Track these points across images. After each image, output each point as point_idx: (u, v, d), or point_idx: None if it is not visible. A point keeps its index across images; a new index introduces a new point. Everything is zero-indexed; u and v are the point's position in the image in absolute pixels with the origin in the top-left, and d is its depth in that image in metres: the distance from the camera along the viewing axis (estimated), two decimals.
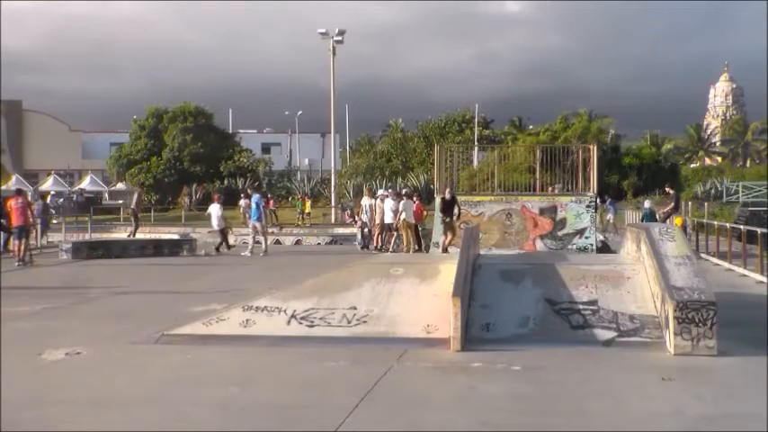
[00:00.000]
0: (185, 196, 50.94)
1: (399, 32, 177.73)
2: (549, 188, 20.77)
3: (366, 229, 23.50)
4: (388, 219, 20.99)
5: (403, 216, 19.93)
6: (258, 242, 20.77)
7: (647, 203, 23.92)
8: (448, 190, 17.46)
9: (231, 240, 25.55)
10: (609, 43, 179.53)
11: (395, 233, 21.10)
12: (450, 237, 16.95)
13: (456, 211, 17.42)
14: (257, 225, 20.79)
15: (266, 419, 5.33)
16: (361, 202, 24.90)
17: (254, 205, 20.91)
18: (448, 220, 17.15)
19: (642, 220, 19.59)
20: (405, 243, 20.19)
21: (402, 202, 20.41)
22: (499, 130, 63.79)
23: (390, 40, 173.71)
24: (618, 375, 6.63)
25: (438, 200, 17.54)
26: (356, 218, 25.40)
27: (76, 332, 8.75)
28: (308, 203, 39.49)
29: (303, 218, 38.50)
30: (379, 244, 21.35)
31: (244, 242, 28.33)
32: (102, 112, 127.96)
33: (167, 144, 56.59)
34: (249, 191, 23.63)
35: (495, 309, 8.36)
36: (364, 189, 26.94)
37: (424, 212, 21.95)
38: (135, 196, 26.49)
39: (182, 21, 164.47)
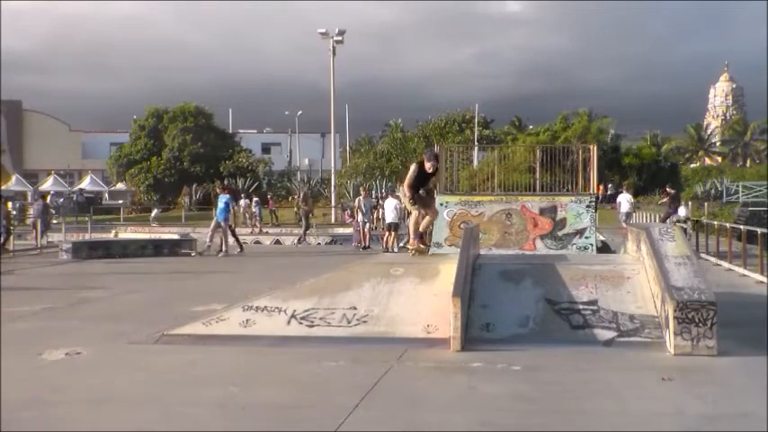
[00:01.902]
0: (185, 196, 50.97)
1: (399, 32, 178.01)
2: (601, 187, 20.42)
3: (367, 228, 23.53)
4: (390, 218, 21.00)
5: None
6: (234, 239, 20.84)
7: (682, 211, 20.58)
8: (429, 153, 10.78)
9: (231, 240, 25.43)
10: (609, 43, 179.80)
11: (395, 233, 21.12)
12: (427, 220, 10.88)
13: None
14: (222, 224, 20.52)
15: (266, 419, 5.33)
16: (356, 203, 24.94)
17: (222, 205, 20.50)
18: (422, 193, 10.59)
19: None
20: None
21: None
22: (499, 130, 63.83)
23: (390, 40, 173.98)
24: (618, 375, 6.63)
25: (413, 168, 10.52)
26: (356, 218, 25.39)
27: (76, 332, 8.75)
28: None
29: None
30: (388, 244, 21.27)
31: (244, 242, 28.41)
32: (102, 112, 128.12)
33: (167, 144, 56.63)
34: (218, 190, 22.98)
35: (495, 309, 8.36)
36: (360, 189, 26.95)
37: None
38: (301, 194, 25.56)
39: (182, 21, 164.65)
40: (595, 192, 20.04)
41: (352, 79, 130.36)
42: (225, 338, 8.02)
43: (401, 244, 20.78)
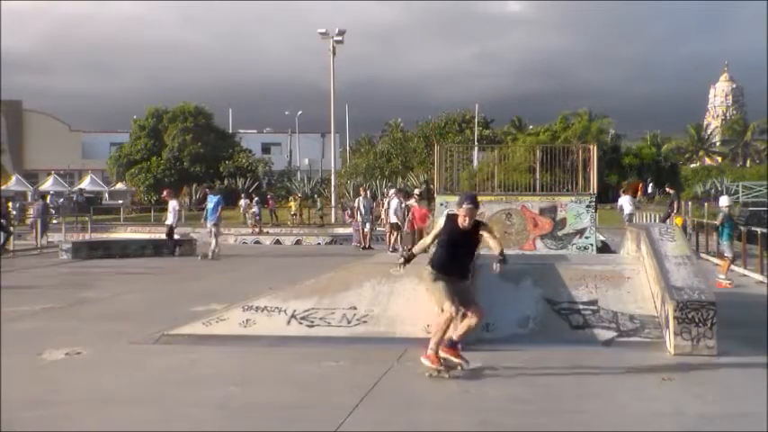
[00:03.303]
0: (185, 196, 50.97)
1: (399, 32, 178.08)
2: (641, 185, 19.90)
3: (367, 228, 23.54)
4: (393, 218, 21.02)
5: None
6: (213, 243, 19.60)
7: (724, 201, 15.39)
8: (464, 197, 6.94)
9: (230, 240, 25.34)
10: (609, 43, 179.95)
11: (396, 233, 21.12)
12: (465, 323, 6.68)
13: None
14: (212, 226, 19.56)
15: (266, 419, 5.33)
16: (356, 203, 24.91)
17: (211, 205, 19.54)
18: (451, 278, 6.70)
19: (722, 227, 14.57)
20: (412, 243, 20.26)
21: (410, 202, 20.59)
22: (499, 130, 63.79)
23: (390, 40, 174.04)
24: (618, 375, 6.64)
25: (439, 223, 7.12)
26: (355, 218, 25.37)
27: (76, 332, 8.75)
28: (294, 204, 39.42)
29: (293, 218, 38.48)
30: (390, 244, 21.20)
31: (243, 242, 28.42)
32: (102, 112, 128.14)
33: (167, 144, 56.63)
34: (207, 191, 21.95)
35: (495, 309, 8.34)
36: (360, 189, 26.93)
37: (429, 217, 20.86)
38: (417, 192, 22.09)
39: (182, 21, 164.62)
40: (636, 192, 19.63)
41: (352, 79, 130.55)
42: (225, 338, 8.02)
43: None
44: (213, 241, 19.60)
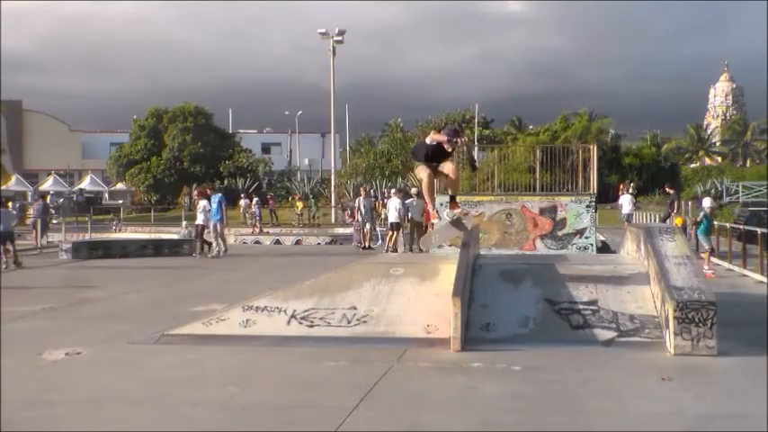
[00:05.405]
0: (185, 196, 50.99)
1: (399, 32, 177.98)
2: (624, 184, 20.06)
3: (367, 228, 23.54)
4: (393, 218, 21.02)
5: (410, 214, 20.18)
6: (215, 242, 20.02)
7: None
8: (449, 130, 9.09)
9: (230, 240, 25.31)
10: (609, 43, 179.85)
11: (395, 233, 21.11)
12: (449, 180, 9.38)
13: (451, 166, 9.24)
14: (218, 225, 19.97)
15: (266, 419, 5.33)
16: (356, 203, 24.92)
17: (215, 205, 19.88)
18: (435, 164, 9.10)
19: None
20: (411, 242, 20.28)
21: (409, 201, 20.61)
22: (499, 130, 63.80)
23: (390, 40, 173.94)
24: (618, 375, 6.63)
25: (431, 138, 9.12)
26: (356, 218, 25.36)
27: (76, 332, 8.76)
28: (300, 204, 39.40)
29: (300, 218, 38.44)
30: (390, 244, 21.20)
31: (243, 242, 28.44)
32: (102, 112, 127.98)
33: (167, 144, 56.66)
34: (209, 191, 22.04)
35: (495, 309, 8.36)
36: (360, 189, 26.94)
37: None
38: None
39: (182, 21, 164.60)
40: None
41: (353, 79, 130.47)
42: (225, 338, 8.02)
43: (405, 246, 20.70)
44: (215, 240, 19.81)
